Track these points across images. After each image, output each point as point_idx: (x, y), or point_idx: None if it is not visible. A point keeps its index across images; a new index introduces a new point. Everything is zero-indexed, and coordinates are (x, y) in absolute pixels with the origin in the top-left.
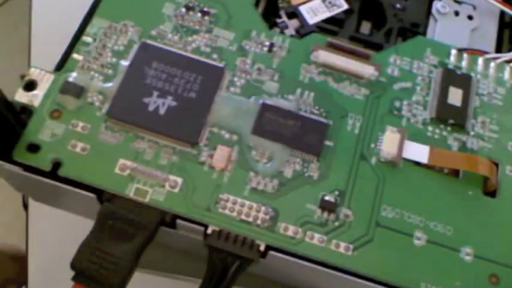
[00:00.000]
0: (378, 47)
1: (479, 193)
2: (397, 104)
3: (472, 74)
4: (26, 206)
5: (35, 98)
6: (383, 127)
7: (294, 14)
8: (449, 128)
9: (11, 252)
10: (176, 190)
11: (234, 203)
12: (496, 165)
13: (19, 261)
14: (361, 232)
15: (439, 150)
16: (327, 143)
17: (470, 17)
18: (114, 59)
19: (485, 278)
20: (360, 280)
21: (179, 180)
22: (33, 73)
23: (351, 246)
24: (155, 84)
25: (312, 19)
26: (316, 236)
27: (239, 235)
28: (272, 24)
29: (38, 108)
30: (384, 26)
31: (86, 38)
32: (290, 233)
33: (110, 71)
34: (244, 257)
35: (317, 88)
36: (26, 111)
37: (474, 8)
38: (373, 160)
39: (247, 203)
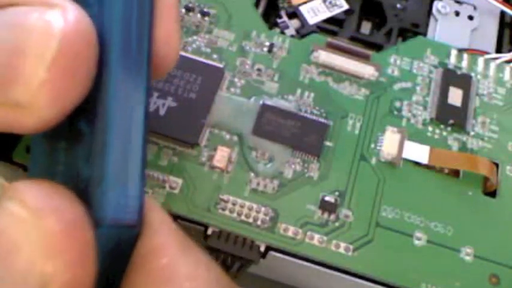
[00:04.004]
0: (378, 47)
1: (479, 193)
2: (397, 104)
3: (472, 74)
4: None
5: None
6: (383, 127)
7: (294, 14)
8: (449, 128)
9: None
10: (176, 191)
11: (234, 203)
12: (496, 165)
13: None
14: (361, 232)
15: (439, 151)
16: (327, 143)
17: (470, 17)
18: None
19: (485, 278)
20: (360, 280)
21: (179, 181)
22: None
23: (351, 247)
24: (155, 85)
25: (312, 19)
26: (316, 236)
27: (239, 236)
28: (272, 25)
29: None
30: (384, 26)
31: None
32: (290, 233)
33: None
34: (244, 258)
35: (317, 88)
36: None
37: (475, 8)
38: (373, 160)
39: (247, 203)
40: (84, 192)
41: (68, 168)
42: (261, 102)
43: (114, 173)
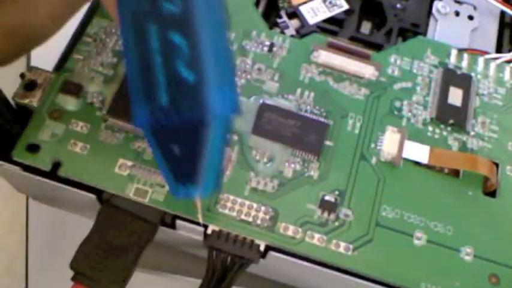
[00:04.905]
0: (378, 47)
1: (479, 193)
2: (397, 104)
3: (472, 74)
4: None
5: (35, 98)
6: (383, 127)
7: (294, 14)
8: (449, 128)
9: None
10: None
11: (234, 203)
12: (496, 165)
13: None
14: (361, 232)
15: (439, 150)
16: (327, 143)
17: (470, 17)
18: (114, 59)
19: (485, 278)
20: (360, 280)
21: None
22: (33, 73)
23: (351, 246)
24: None
25: (312, 19)
26: (316, 236)
27: (239, 235)
28: (272, 24)
29: (38, 108)
30: (384, 26)
31: (86, 38)
32: (290, 233)
33: (110, 71)
34: (244, 257)
35: (317, 88)
36: (26, 111)
37: (474, 8)
38: (373, 160)
39: (247, 203)
40: (190, 90)
41: (166, 61)
42: (261, 101)
43: (216, 80)
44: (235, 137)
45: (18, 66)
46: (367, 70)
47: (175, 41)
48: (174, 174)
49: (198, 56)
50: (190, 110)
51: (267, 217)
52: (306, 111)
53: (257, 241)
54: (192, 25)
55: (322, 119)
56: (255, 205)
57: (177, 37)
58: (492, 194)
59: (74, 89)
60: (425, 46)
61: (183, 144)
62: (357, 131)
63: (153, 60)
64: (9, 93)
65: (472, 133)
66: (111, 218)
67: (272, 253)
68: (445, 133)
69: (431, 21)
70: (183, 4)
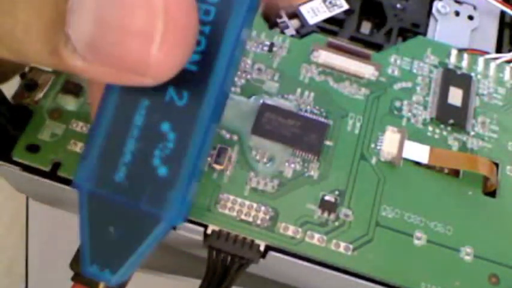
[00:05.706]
0: (378, 47)
1: (479, 193)
2: (397, 104)
3: (472, 74)
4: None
5: (35, 98)
6: (383, 127)
7: (294, 14)
8: (449, 128)
9: None
10: None
11: (234, 203)
12: (496, 165)
13: None
14: (361, 232)
15: (439, 150)
16: (327, 143)
17: (470, 17)
18: None
19: (485, 278)
20: (360, 280)
21: None
22: (33, 73)
23: (351, 246)
24: None
25: (312, 19)
26: (316, 236)
27: (239, 235)
28: (272, 24)
29: (38, 108)
30: (384, 26)
31: None
32: (290, 233)
33: None
34: (244, 257)
35: (317, 88)
36: (26, 111)
37: (474, 8)
38: (373, 160)
39: (247, 203)
40: (157, 182)
41: (143, 142)
42: (261, 101)
43: (186, 186)
44: (235, 137)
45: None
46: (367, 70)
47: (163, 129)
48: (93, 251)
49: (181, 159)
50: (150, 202)
51: (267, 217)
52: (306, 111)
53: (257, 241)
54: (191, 129)
55: (322, 119)
56: (255, 205)
57: (166, 126)
58: (492, 194)
59: (74, 89)
60: (425, 46)
61: (118, 226)
62: (357, 131)
63: (128, 133)
64: (9, 93)
65: (472, 133)
66: None
67: (272, 253)
68: (445, 133)
69: (431, 21)
70: (189, 101)
